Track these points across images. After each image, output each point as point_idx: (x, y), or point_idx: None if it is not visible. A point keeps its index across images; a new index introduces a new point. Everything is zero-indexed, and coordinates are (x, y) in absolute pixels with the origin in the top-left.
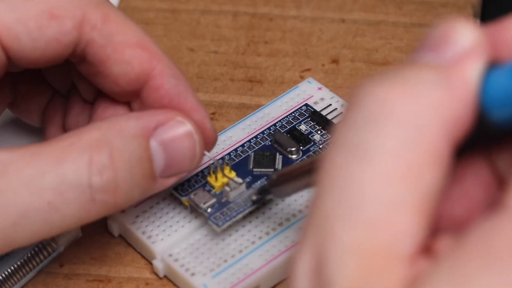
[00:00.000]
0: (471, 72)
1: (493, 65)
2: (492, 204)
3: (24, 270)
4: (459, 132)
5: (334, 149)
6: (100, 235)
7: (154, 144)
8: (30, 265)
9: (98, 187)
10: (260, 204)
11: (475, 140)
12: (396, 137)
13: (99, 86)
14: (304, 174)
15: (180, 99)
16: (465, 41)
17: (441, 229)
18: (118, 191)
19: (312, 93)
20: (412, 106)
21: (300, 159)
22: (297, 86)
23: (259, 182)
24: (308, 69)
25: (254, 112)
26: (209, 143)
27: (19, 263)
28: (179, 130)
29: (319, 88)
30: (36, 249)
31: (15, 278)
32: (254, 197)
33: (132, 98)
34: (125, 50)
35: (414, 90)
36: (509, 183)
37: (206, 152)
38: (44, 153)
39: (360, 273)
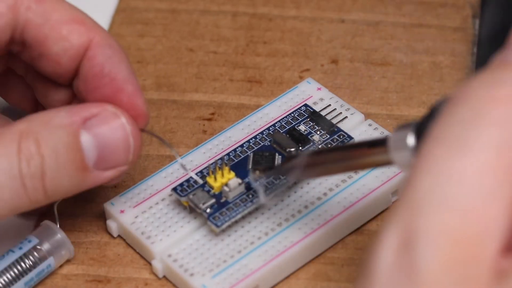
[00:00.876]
0: None
1: None
2: None
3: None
4: None
5: (434, 140)
6: (99, 235)
7: (85, 135)
8: (16, 277)
9: (26, 173)
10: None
11: None
12: (497, 136)
13: (43, 70)
14: (334, 160)
15: (114, 69)
16: None
17: None
18: (45, 177)
19: (312, 93)
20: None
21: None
22: (297, 87)
23: (257, 182)
24: (307, 69)
25: (253, 112)
26: (139, 116)
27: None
28: (110, 121)
29: (319, 89)
30: (21, 262)
31: None
32: (257, 172)
33: (73, 76)
34: (62, 27)
35: None
36: None
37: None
38: None
39: (451, 258)
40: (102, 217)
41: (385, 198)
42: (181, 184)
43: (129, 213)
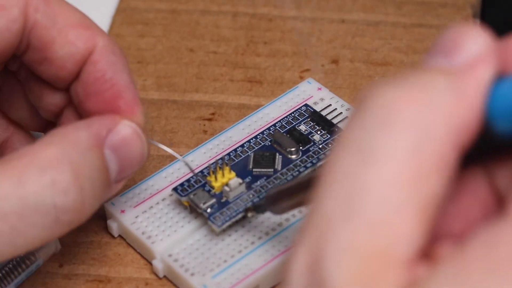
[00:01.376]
0: (482, 79)
1: (500, 77)
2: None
3: (2, 284)
4: (466, 140)
5: (340, 149)
6: (100, 235)
7: (107, 153)
8: (8, 279)
9: (63, 208)
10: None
11: (478, 150)
12: (404, 142)
13: (44, 73)
14: (300, 192)
15: (115, 76)
16: (477, 46)
17: (440, 238)
18: (84, 209)
19: (312, 93)
20: (422, 111)
21: (299, 159)
22: (297, 87)
23: (258, 182)
24: (308, 70)
25: (254, 112)
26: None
27: None
28: (128, 133)
29: (319, 89)
30: (15, 262)
31: None
32: (250, 214)
33: (73, 80)
34: (69, 31)
35: (424, 95)
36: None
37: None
38: (3, 174)
39: (357, 275)
40: (103, 217)
41: None
42: (181, 184)
43: (130, 213)
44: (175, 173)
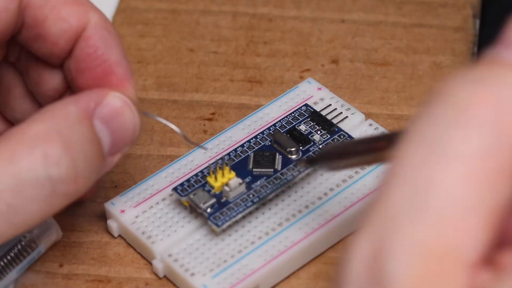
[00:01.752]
0: None
1: None
2: None
3: (4, 271)
4: None
5: (412, 142)
6: (100, 235)
7: (98, 124)
8: (10, 267)
9: (58, 179)
10: (306, 173)
11: None
12: (478, 141)
13: (38, 51)
14: (358, 152)
15: (107, 51)
16: None
17: (505, 244)
18: (79, 179)
19: (312, 93)
20: (499, 111)
21: (299, 159)
22: (297, 86)
23: (258, 182)
24: (308, 70)
25: (254, 112)
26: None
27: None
28: (117, 105)
29: (319, 88)
30: (16, 250)
31: None
32: (300, 166)
33: (66, 56)
34: (62, 8)
35: (502, 95)
36: None
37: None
38: None
39: (421, 274)
40: (103, 217)
41: None
42: (181, 184)
43: (130, 213)
44: (175, 173)
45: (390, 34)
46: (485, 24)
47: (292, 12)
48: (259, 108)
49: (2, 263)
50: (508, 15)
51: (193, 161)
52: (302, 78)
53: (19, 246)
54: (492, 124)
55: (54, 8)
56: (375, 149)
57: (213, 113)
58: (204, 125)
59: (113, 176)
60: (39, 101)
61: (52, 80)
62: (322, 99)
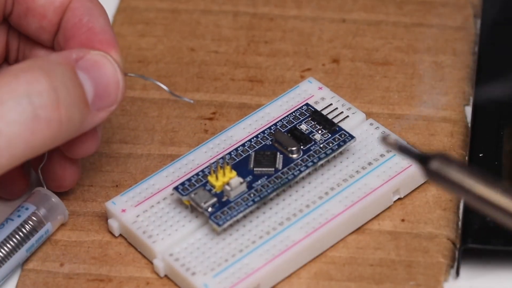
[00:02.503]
0: None
1: None
2: None
3: (13, 250)
4: None
5: None
6: (101, 234)
7: (80, 73)
8: (20, 246)
9: (40, 103)
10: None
11: None
12: None
13: (29, 27)
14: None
15: (92, 19)
16: None
17: None
18: (60, 106)
19: (313, 92)
20: None
21: (300, 158)
22: (298, 86)
23: (259, 181)
24: (309, 69)
25: (255, 111)
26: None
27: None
28: (98, 58)
29: (320, 88)
30: (25, 231)
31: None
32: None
33: (55, 31)
34: None
35: None
36: None
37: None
38: None
39: None
40: (104, 216)
41: (386, 197)
42: (182, 183)
43: (131, 212)
44: (176, 172)
45: (391, 33)
46: (486, 23)
47: (293, 12)
48: (260, 108)
49: (12, 242)
50: (509, 14)
51: (194, 160)
52: (303, 77)
53: (28, 226)
54: None
55: None
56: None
57: (214, 113)
58: (205, 124)
59: (114, 175)
60: None
61: None
62: (323, 99)
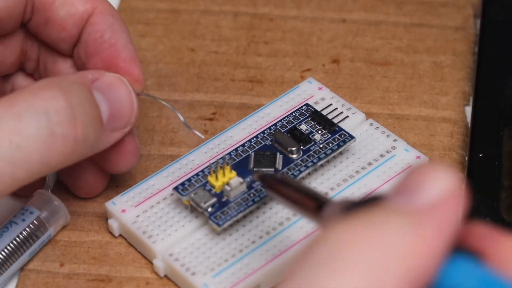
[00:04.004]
0: (445, 221)
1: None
2: None
3: (15, 254)
4: (422, 283)
5: (289, 284)
6: (101, 235)
7: (96, 93)
8: (22, 249)
9: (57, 120)
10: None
11: None
12: (354, 284)
13: (47, 37)
14: (290, 198)
15: (114, 36)
16: (440, 188)
17: None
18: (77, 124)
19: (313, 93)
20: (375, 252)
21: (300, 158)
22: (298, 86)
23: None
24: (309, 69)
25: (255, 112)
26: (135, 82)
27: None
28: (113, 80)
29: (320, 88)
30: (26, 234)
31: (7, 262)
32: (256, 178)
33: (75, 42)
34: None
35: (379, 236)
36: None
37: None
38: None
39: None
40: (104, 216)
41: None
42: (182, 183)
43: (131, 212)
44: (176, 172)
45: (390, 33)
46: (486, 24)
47: (292, 12)
48: (260, 108)
49: (13, 245)
50: (509, 14)
51: (194, 160)
52: (303, 77)
53: (29, 229)
54: (368, 266)
55: None
56: (303, 204)
57: (214, 113)
58: (205, 125)
59: (114, 175)
60: None
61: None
62: (323, 99)
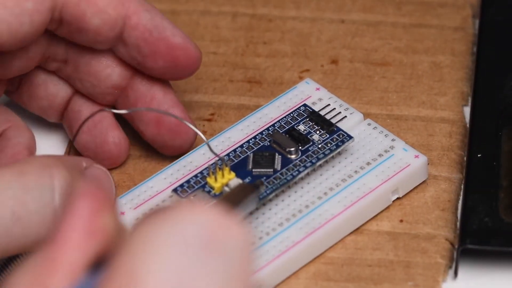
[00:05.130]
0: None
1: None
2: None
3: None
4: None
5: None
6: None
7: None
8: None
9: (60, 199)
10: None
11: None
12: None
13: (82, 42)
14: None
15: (159, 29)
16: None
17: None
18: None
19: (310, 93)
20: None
21: (299, 159)
22: (296, 87)
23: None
24: (307, 70)
25: (253, 113)
26: (197, 60)
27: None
28: (99, 172)
29: (317, 89)
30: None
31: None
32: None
33: (114, 43)
34: (98, 1)
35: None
36: None
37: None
38: (6, 168)
39: None
40: None
41: (385, 196)
42: (181, 185)
43: (130, 215)
44: (175, 174)
45: (389, 34)
46: (485, 24)
47: (291, 13)
48: (258, 109)
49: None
50: (508, 14)
51: (192, 162)
52: (301, 78)
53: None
54: None
55: (89, 2)
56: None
57: (212, 114)
58: (204, 125)
59: (113, 176)
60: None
61: (105, 69)
62: (320, 99)
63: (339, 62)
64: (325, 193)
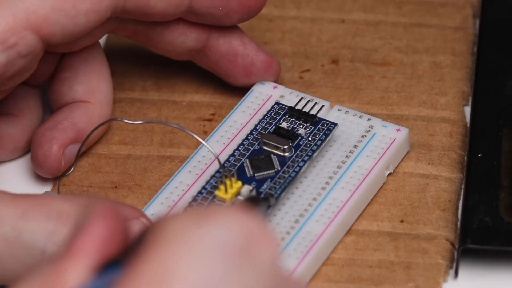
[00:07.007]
0: None
1: None
2: None
3: None
4: None
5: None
6: None
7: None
8: None
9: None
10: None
11: None
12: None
13: (150, 20)
14: None
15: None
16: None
17: None
18: None
19: (270, 92)
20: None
21: (294, 155)
22: (252, 90)
23: (265, 185)
24: (308, 70)
25: (221, 123)
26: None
27: None
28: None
29: (275, 87)
30: None
31: None
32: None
33: (184, 15)
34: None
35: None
36: None
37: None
38: (10, 201)
39: None
40: None
41: (381, 174)
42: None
43: None
44: (170, 197)
45: (390, 34)
46: (485, 24)
47: (292, 12)
48: (224, 119)
49: None
50: (508, 14)
51: (182, 182)
52: (302, 78)
53: None
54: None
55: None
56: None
57: (213, 114)
58: (204, 125)
59: (113, 176)
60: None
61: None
62: (282, 96)
63: (339, 62)
64: (327, 183)
